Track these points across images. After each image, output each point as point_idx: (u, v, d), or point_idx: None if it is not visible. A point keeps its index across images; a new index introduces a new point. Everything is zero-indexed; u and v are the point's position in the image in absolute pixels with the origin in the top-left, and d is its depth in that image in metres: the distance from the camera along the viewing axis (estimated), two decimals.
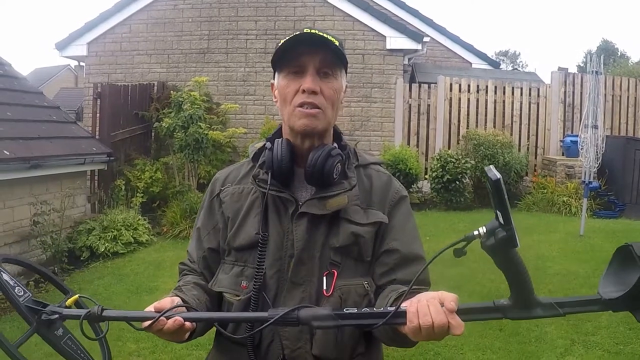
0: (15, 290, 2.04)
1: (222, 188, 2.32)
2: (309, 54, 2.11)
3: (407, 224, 2.26)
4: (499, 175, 1.52)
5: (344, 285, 2.11)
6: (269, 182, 2.14)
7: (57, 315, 2.04)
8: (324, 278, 2.11)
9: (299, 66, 2.13)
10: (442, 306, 1.71)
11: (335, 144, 2.24)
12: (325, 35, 2.13)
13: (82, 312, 2.01)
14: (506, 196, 1.55)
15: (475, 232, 1.63)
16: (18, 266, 2.35)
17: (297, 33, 2.12)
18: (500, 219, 1.60)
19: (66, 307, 2.11)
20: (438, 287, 5.97)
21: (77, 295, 2.16)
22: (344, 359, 2.12)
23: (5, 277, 2.04)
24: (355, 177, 2.23)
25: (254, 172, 2.23)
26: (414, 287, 1.86)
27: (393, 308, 1.79)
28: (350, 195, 2.16)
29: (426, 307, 1.71)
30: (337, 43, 2.15)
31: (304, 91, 2.12)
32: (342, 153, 2.20)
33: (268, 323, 1.84)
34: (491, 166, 1.59)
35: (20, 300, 2.04)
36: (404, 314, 1.76)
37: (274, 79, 2.28)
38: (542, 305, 1.68)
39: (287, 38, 2.13)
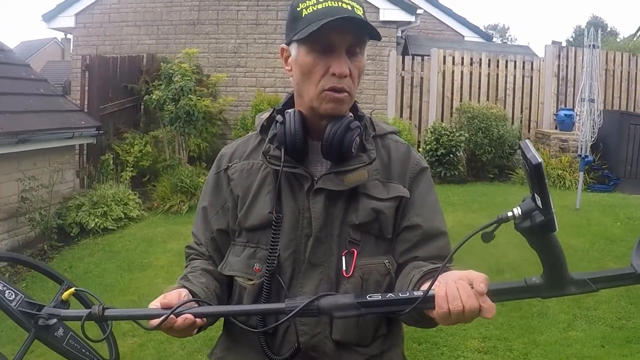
0: (6, 295, 1.87)
1: (230, 164, 2.17)
2: (341, 33, 1.93)
3: (428, 198, 2.14)
4: (539, 159, 1.41)
5: (365, 265, 2.00)
6: (282, 159, 1.99)
7: (55, 320, 1.88)
8: (343, 258, 1.99)
9: (328, 44, 1.95)
10: (471, 287, 1.60)
11: (351, 114, 2.11)
12: (357, 8, 1.96)
13: (83, 313, 1.84)
14: (546, 180, 1.46)
15: (509, 214, 1.55)
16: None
17: (327, 5, 1.92)
18: (539, 203, 1.51)
19: (62, 301, 1.94)
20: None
21: (72, 289, 1.98)
22: (366, 342, 2.03)
23: None
24: (375, 150, 2.10)
25: (264, 147, 2.08)
26: (438, 264, 1.80)
27: (420, 293, 1.68)
28: (370, 170, 2.04)
29: (455, 290, 1.60)
30: (363, 13, 1.98)
31: (333, 74, 1.95)
32: (360, 125, 2.05)
33: (287, 317, 1.74)
34: (528, 142, 1.49)
35: (12, 305, 1.87)
36: (432, 298, 1.65)
37: (286, 43, 2.09)
38: (575, 283, 1.60)
39: (314, 8, 1.93)
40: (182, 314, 1.76)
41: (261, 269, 2.01)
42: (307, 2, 1.95)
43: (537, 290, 1.62)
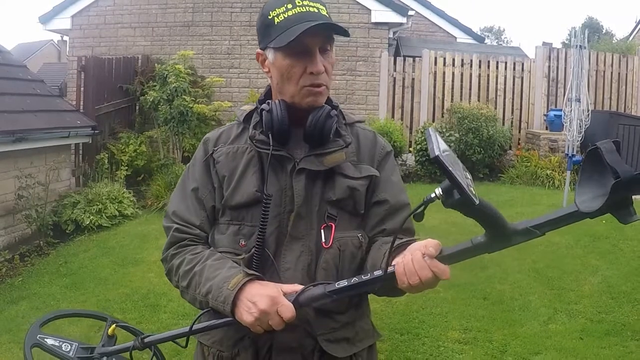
0: (63, 348, 2.19)
1: (215, 148, 2.33)
2: (313, 36, 2.13)
3: (393, 177, 2.37)
4: (436, 152, 1.53)
5: (341, 237, 2.21)
6: (270, 143, 2.18)
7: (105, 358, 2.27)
8: (322, 231, 2.19)
9: (303, 47, 2.15)
10: (424, 257, 1.78)
11: (326, 105, 2.28)
12: (321, 9, 2.18)
13: (128, 346, 2.25)
14: (449, 167, 1.54)
15: (432, 195, 1.66)
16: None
17: (296, 12, 2.13)
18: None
19: (109, 336, 2.35)
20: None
21: (114, 325, 2.39)
22: (342, 310, 2.23)
23: (50, 341, 2.19)
24: (349, 136, 2.32)
25: (250, 133, 2.26)
26: (403, 238, 2.07)
27: (381, 273, 1.88)
28: (347, 152, 2.25)
29: (411, 265, 1.79)
30: (327, 12, 2.20)
31: (311, 73, 2.17)
32: (337, 113, 2.29)
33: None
34: (431, 131, 1.61)
35: (71, 355, 2.24)
36: (392, 275, 1.85)
37: (262, 48, 2.29)
38: (518, 233, 1.69)
39: (284, 16, 2.14)
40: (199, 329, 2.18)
41: (246, 244, 2.19)
42: (277, 9, 2.16)
43: (484, 247, 1.74)
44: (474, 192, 1.59)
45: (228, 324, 2.11)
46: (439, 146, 1.55)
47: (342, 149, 2.24)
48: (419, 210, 1.72)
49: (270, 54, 2.24)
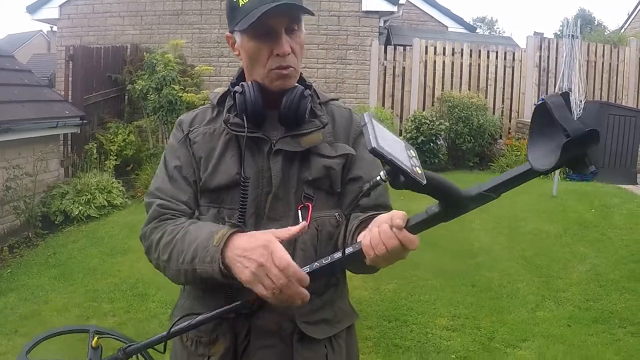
0: None
1: (191, 129, 2.29)
2: (277, 17, 2.09)
3: (367, 153, 2.29)
4: (373, 144, 1.49)
5: (319, 217, 2.18)
6: (245, 125, 2.15)
7: None
8: (300, 211, 2.16)
9: (268, 29, 2.12)
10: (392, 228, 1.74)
11: (299, 86, 2.26)
12: None
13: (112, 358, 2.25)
14: (389, 156, 1.50)
15: (378, 178, 1.62)
16: None
17: None
18: None
19: (94, 348, 2.31)
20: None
21: (96, 337, 2.33)
22: (320, 291, 2.21)
23: None
24: (326, 116, 2.30)
25: (224, 116, 2.23)
26: (376, 212, 2.03)
27: (350, 249, 1.86)
28: (324, 133, 2.23)
29: (377, 235, 1.75)
30: None
31: (277, 55, 2.14)
32: (311, 93, 2.26)
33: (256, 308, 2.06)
34: (367, 117, 1.58)
35: None
36: (360, 250, 1.82)
37: (230, 31, 2.26)
38: (472, 198, 1.64)
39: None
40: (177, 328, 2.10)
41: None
42: None
43: (439, 216, 1.69)
44: (419, 173, 1.56)
45: (205, 322, 2.08)
46: (375, 135, 1.51)
47: (319, 130, 2.22)
48: (363, 193, 1.69)
49: (237, 37, 2.22)
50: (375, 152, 1.48)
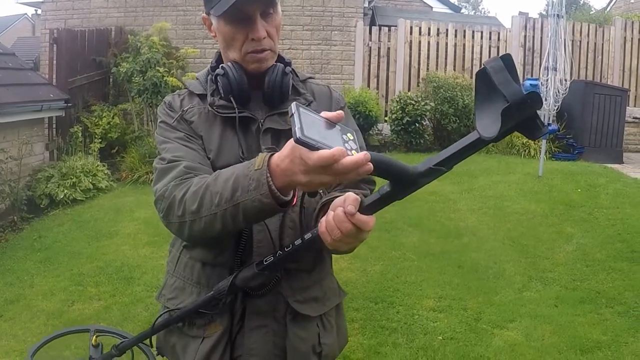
0: None
1: (184, 109, 2.25)
2: (252, 3, 2.10)
3: (350, 127, 2.32)
4: (298, 135, 1.46)
5: (304, 195, 2.18)
6: (235, 105, 2.16)
7: None
8: None
9: (242, 14, 2.11)
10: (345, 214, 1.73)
11: (279, 64, 2.27)
12: None
13: (109, 355, 2.41)
14: (316, 145, 1.48)
15: None
16: None
17: None
18: None
19: (94, 346, 2.46)
20: (397, 224, 6.05)
21: (95, 336, 2.50)
22: (308, 267, 2.26)
23: None
24: (308, 93, 2.34)
25: (209, 101, 2.22)
26: (353, 189, 2.09)
27: (309, 235, 1.90)
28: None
29: (332, 220, 1.75)
30: None
31: (252, 39, 2.14)
32: (291, 69, 2.29)
33: (224, 300, 2.11)
34: (294, 107, 1.53)
35: None
36: (318, 235, 1.83)
37: (206, 13, 2.25)
38: (422, 174, 1.60)
39: None
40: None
41: None
42: None
43: (391, 195, 1.67)
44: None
45: (190, 312, 2.14)
46: (302, 126, 1.48)
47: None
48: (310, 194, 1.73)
49: (214, 20, 2.22)
50: (300, 142, 1.46)
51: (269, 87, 2.19)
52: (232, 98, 2.18)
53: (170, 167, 2.09)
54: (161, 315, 2.17)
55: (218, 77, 2.21)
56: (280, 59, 2.32)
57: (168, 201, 2.02)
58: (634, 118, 14.68)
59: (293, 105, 1.53)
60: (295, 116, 1.50)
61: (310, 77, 2.45)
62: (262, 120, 2.21)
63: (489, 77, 1.48)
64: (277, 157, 1.72)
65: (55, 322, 6.09)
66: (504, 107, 1.44)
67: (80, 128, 12.60)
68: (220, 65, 2.25)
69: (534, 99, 1.45)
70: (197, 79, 2.37)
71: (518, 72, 1.54)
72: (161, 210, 2.06)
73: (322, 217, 1.86)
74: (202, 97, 2.29)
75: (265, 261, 1.98)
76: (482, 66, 1.51)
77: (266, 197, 1.74)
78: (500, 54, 1.48)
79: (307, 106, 2.17)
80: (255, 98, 2.23)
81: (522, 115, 1.48)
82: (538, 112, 1.49)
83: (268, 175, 1.73)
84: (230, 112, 2.17)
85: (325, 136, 1.52)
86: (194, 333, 2.21)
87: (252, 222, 1.98)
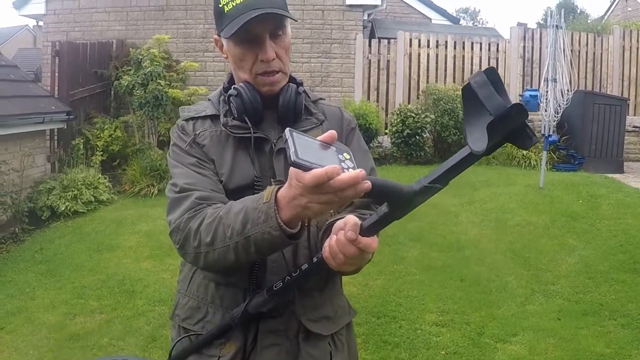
0: None
1: (196, 133, 2.26)
2: (261, 24, 2.11)
3: (359, 148, 2.40)
4: (293, 158, 1.49)
5: None
6: (250, 125, 2.17)
7: None
8: None
9: (252, 36, 2.14)
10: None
11: (291, 84, 2.29)
12: None
13: None
14: (311, 166, 1.51)
15: None
16: None
17: (244, 0, 2.11)
18: None
19: None
20: (398, 238, 6.06)
21: None
22: (320, 287, 2.27)
23: None
24: (320, 113, 2.35)
25: (222, 121, 2.23)
26: (369, 209, 2.12)
27: (315, 260, 1.92)
28: (323, 129, 2.23)
29: (335, 245, 1.77)
30: None
31: (262, 60, 2.16)
32: (304, 90, 2.31)
33: (234, 327, 2.13)
34: (287, 133, 1.55)
35: None
36: (322, 260, 1.85)
37: (217, 35, 2.27)
38: (418, 193, 1.62)
39: (233, 4, 2.13)
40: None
41: None
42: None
43: (391, 215, 1.69)
44: None
45: (205, 342, 2.16)
46: (296, 149, 1.50)
47: (318, 127, 2.26)
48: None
49: (224, 42, 2.24)
50: (295, 164, 1.50)
51: (284, 106, 2.21)
52: (246, 118, 2.19)
53: (182, 197, 2.11)
54: (180, 340, 2.19)
55: (231, 98, 2.22)
56: (291, 79, 2.33)
57: (184, 233, 2.05)
58: (634, 127, 14.69)
59: (287, 130, 1.56)
60: (290, 141, 1.52)
61: (321, 99, 2.47)
62: (275, 141, 2.22)
63: (474, 92, 1.49)
64: (283, 188, 1.76)
65: (56, 336, 6.09)
66: (488, 122, 1.46)
67: (82, 140, 12.61)
68: (233, 86, 2.26)
69: (518, 111, 1.46)
70: (210, 99, 2.39)
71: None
72: (177, 242, 2.09)
73: (326, 238, 1.87)
74: (214, 118, 2.30)
75: (275, 287, 2.00)
76: (467, 82, 1.52)
77: (275, 229, 1.78)
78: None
79: (318, 126, 2.22)
80: (268, 118, 2.25)
81: (508, 127, 1.49)
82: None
83: (275, 207, 1.77)
84: (245, 132, 2.18)
85: (320, 157, 1.54)
86: (211, 352, 2.20)
87: (265, 255, 2.00)
